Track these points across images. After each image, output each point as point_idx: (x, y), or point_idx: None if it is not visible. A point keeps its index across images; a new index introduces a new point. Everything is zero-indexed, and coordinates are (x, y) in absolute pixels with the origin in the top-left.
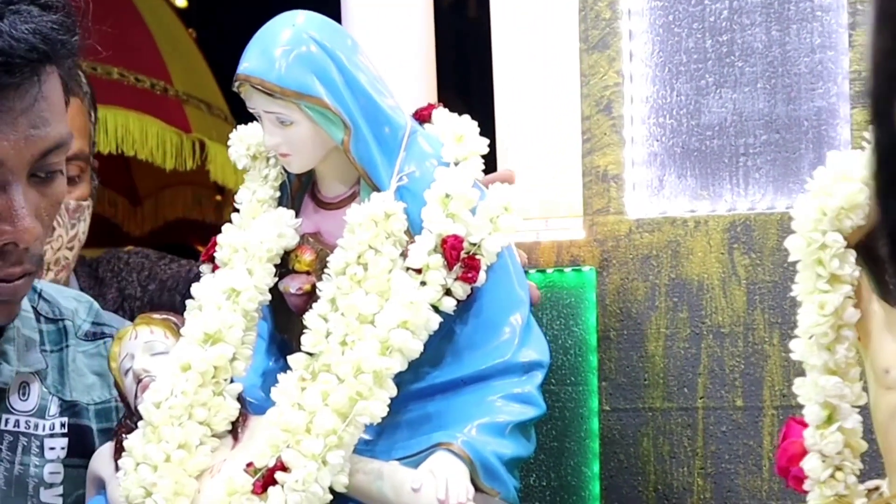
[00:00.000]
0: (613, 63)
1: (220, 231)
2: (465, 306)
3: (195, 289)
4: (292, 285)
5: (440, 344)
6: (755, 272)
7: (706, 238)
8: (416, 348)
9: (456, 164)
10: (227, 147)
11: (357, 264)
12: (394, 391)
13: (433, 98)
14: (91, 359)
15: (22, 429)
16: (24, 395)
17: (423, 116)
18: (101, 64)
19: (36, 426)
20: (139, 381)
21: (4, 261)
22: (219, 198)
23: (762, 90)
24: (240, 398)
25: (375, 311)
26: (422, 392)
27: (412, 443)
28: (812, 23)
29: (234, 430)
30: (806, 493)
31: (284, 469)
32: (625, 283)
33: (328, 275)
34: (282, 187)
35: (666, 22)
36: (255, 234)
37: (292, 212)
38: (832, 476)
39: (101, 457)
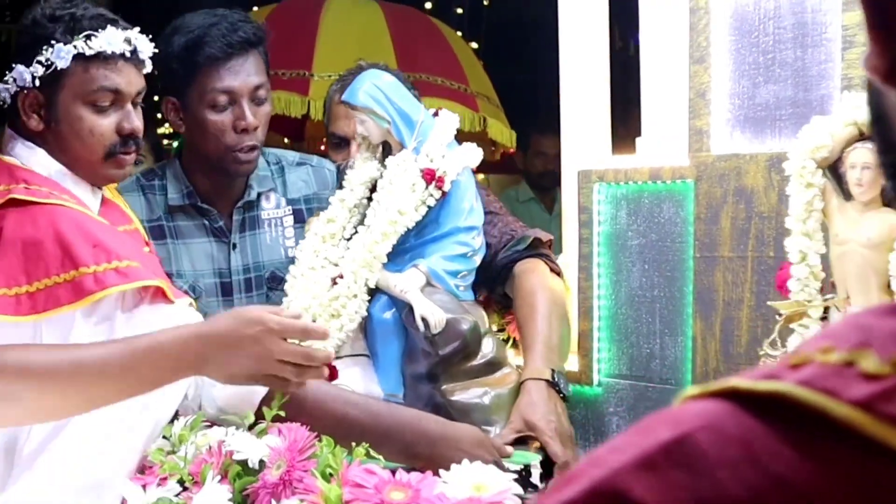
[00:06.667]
0: None
1: (492, 162)
2: (441, 202)
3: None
4: None
5: (429, 220)
6: None
7: None
8: (407, 222)
9: (437, 136)
10: (495, 120)
11: (387, 181)
12: (393, 242)
13: None
14: (299, 175)
15: (272, 216)
16: (268, 200)
17: (435, 113)
18: (429, 74)
19: (277, 213)
20: None
21: (245, 138)
22: (493, 148)
23: None
24: None
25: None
26: (420, 243)
27: (406, 266)
28: None
29: None
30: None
31: (342, 276)
32: None
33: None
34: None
35: None
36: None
37: (376, 162)
38: (801, 290)
39: None
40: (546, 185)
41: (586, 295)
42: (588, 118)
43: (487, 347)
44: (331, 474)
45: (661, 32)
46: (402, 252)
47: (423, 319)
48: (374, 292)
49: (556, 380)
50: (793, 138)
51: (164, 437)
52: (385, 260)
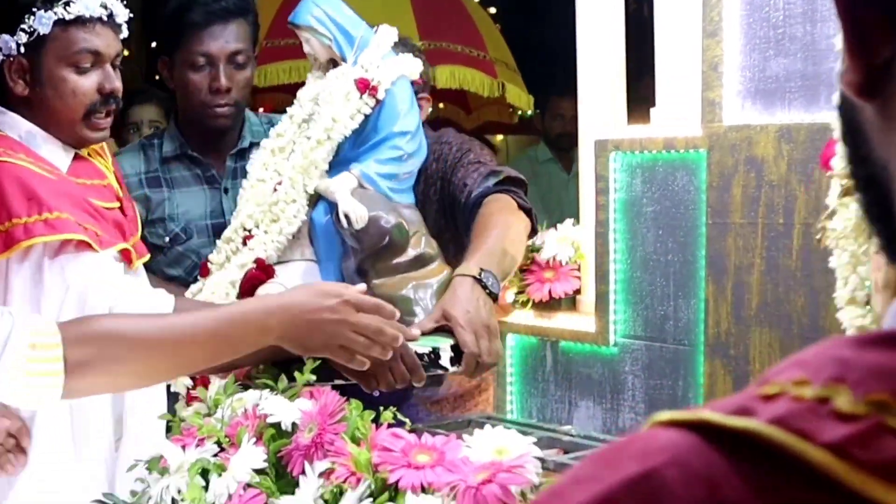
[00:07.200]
0: None
1: (511, 124)
2: (377, 108)
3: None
4: None
5: (369, 127)
6: None
7: None
8: (343, 130)
9: (374, 48)
10: (513, 85)
11: (327, 93)
12: (332, 149)
13: None
14: None
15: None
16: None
17: (375, 30)
18: (449, 42)
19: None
20: None
21: (218, 97)
22: (511, 110)
23: None
24: None
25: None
26: (360, 151)
27: (342, 170)
28: None
29: None
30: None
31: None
32: None
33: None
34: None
35: None
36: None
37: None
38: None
39: None
40: (564, 145)
41: (603, 259)
42: (604, 89)
43: (418, 244)
44: (360, 438)
45: (674, 7)
46: (345, 161)
47: (346, 216)
48: (317, 200)
49: (483, 278)
50: (802, 111)
51: (199, 399)
52: (324, 167)
